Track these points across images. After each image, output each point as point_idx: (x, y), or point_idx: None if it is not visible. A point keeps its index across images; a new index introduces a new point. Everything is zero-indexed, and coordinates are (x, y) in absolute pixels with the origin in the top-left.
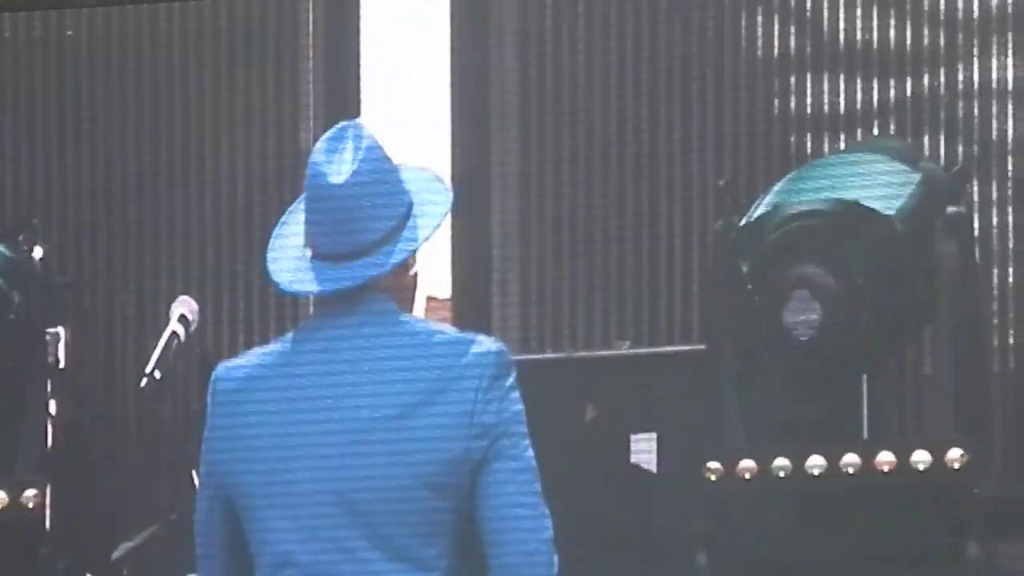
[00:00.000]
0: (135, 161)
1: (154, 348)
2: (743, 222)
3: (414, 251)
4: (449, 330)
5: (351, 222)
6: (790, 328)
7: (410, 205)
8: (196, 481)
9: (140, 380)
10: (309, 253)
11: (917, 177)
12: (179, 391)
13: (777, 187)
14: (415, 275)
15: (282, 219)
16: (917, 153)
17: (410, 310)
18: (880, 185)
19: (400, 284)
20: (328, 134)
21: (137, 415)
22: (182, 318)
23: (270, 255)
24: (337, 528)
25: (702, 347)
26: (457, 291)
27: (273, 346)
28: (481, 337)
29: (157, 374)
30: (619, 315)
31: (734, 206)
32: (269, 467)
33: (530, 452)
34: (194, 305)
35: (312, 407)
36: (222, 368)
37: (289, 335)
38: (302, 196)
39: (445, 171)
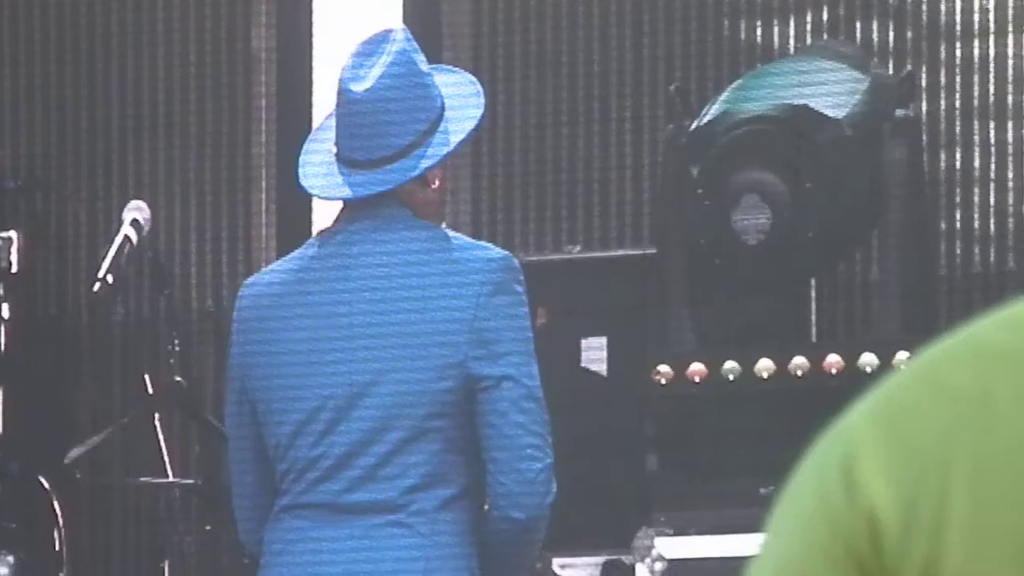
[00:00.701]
0: (87, 64)
1: (107, 252)
2: (693, 126)
3: (437, 162)
4: (463, 238)
5: (374, 134)
6: (739, 232)
7: (442, 110)
8: (148, 385)
9: (93, 284)
10: (335, 159)
11: (866, 81)
12: (131, 295)
13: (727, 92)
14: (440, 189)
15: (318, 125)
16: (866, 58)
17: (436, 222)
18: (829, 89)
19: (424, 196)
20: (365, 39)
21: (90, 319)
22: (134, 223)
23: (302, 159)
24: (342, 425)
25: (652, 251)
26: None
27: (294, 254)
28: (491, 245)
29: (110, 278)
30: (569, 219)
31: (684, 110)
32: (283, 371)
33: (534, 374)
34: (146, 210)
35: (324, 311)
36: (246, 282)
37: (309, 242)
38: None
39: None
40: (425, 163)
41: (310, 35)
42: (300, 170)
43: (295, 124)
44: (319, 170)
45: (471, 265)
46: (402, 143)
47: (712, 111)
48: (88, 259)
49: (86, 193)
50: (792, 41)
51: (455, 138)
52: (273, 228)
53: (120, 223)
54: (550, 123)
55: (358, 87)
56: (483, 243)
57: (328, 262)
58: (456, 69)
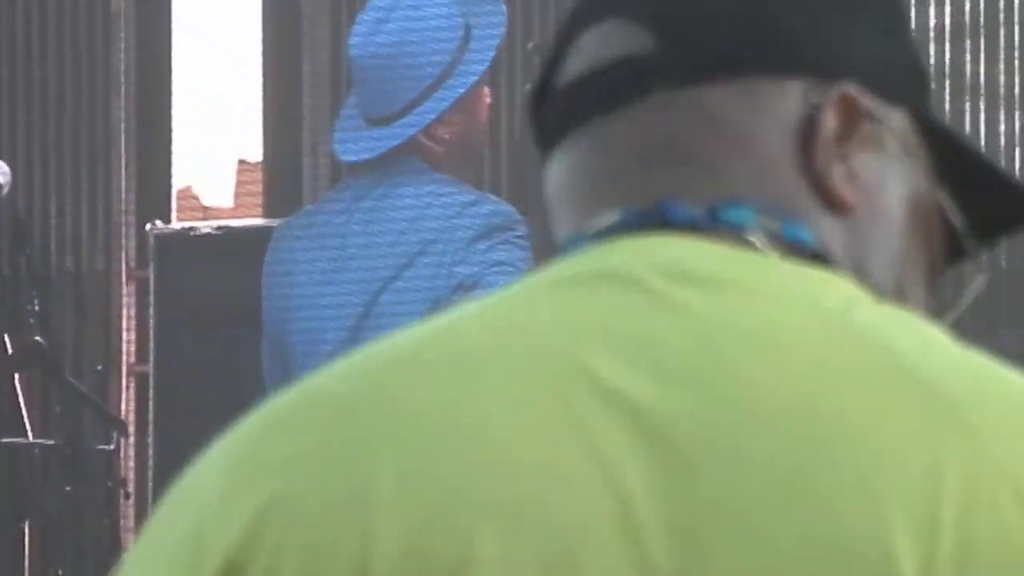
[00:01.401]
0: None
1: None
2: None
3: (433, 118)
4: (468, 192)
5: (378, 90)
6: None
7: (463, 47)
8: (8, 345)
9: None
10: (361, 119)
11: None
12: None
13: None
14: (459, 137)
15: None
16: None
17: (456, 168)
18: None
19: (435, 148)
20: None
21: None
22: None
23: (337, 123)
24: None
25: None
26: (269, 152)
27: (312, 206)
28: (490, 198)
29: None
30: None
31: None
32: (279, 328)
33: None
34: (6, 168)
35: (325, 267)
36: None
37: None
38: None
39: (255, 24)
40: (429, 116)
41: None
42: (335, 133)
43: (154, 83)
44: (346, 132)
45: (457, 221)
46: (407, 99)
47: None
48: None
49: None
50: None
51: (456, 91)
52: (133, 192)
53: None
54: None
55: (353, 49)
56: (484, 195)
57: (335, 217)
58: None
